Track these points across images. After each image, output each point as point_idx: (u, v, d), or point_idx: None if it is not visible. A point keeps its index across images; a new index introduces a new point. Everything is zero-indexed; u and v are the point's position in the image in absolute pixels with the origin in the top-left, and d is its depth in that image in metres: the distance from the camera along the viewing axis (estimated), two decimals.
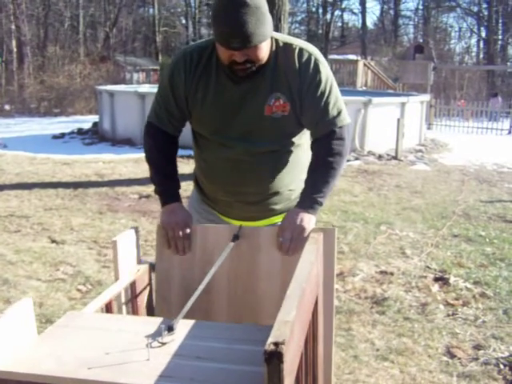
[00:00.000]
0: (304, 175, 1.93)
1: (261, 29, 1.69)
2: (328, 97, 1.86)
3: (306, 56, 1.85)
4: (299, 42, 1.90)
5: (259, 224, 2.04)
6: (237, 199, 2.02)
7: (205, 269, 1.80)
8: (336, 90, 1.90)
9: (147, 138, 2.03)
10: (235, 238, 1.84)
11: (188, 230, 1.90)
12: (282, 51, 1.86)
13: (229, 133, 1.91)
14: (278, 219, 1.99)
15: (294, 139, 1.96)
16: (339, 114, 1.88)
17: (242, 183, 1.97)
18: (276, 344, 1.04)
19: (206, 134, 1.97)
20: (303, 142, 2.00)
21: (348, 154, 1.93)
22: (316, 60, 1.86)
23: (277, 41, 1.87)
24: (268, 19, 1.74)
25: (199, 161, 2.09)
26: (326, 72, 1.87)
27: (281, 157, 1.97)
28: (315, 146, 1.92)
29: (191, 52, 1.91)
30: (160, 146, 2.00)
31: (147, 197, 6.58)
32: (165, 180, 2.01)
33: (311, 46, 1.92)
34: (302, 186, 1.93)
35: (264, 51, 1.77)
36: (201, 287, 1.61)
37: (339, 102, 1.89)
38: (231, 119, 1.89)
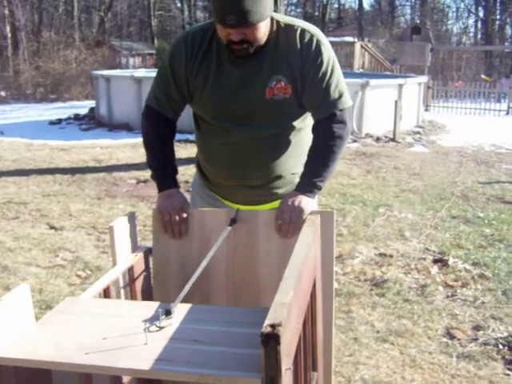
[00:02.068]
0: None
1: (259, 7, 1.66)
2: (330, 79, 1.83)
3: (307, 37, 1.82)
4: (301, 23, 1.87)
5: (262, 208, 2.03)
6: (239, 183, 2.00)
7: (202, 253, 1.79)
8: (338, 72, 1.87)
9: (145, 122, 2.01)
10: (232, 221, 1.83)
11: (184, 215, 1.89)
12: (283, 32, 1.83)
13: (230, 116, 1.89)
14: None
15: (296, 122, 1.94)
16: (341, 96, 1.85)
17: (245, 167, 1.96)
18: (273, 326, 1.03)
19: (208, 118, 1.95)
20: (306, 125, 1.97)
21: (348, 137, 1.92)
22: (318, 41, 1.83)
23: (278, 22, 1.84)
24: None
25: (201, 145, 2.07)
26: (328, 53, 1.84)
27: (283, 140, 1.95)
28: (316, 128, 1.90)
29: (193, 34, 1.89)
30: (158, 131, 1.98)
31: (145, 182, 6.57)
32: (162, 165, 1.99)
33: (313, 26, 1.89)
34: None
35: (262, 32, 1.74)
36: (198, 271, 1.60)
37: (341, 85, 1.87)
38: (232, 102, 1.87)
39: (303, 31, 1.83)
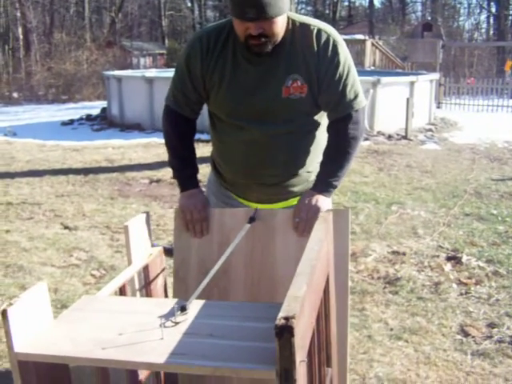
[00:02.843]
0: (321, 157, 1.94)
1: (277, 1, 1.68)
2: (346, 79, 1.85)
3: (324, 37, 1.83)
4: (317, 23, 1.88)
5: (277, 206, 2.05)
6: (255, 181, 2.02)
7: (222, 250, 1.82)
8: (354, 72, 1.89)
9: (165, 121, 2.04)
10: (251, 219, 1.88)
11: (205, 213, 1.94)
12: (298, 31, 1.84)
13: (246, 114, 1.90)
14: (295, 201, 2.00)
15: (311, 121, 1.95)
16: (356, 96, 1.87)
17: (260, 165, 1.97)
18: (286, 318, 1.05)
19: (224, 116, 1.96)
20: (321, 123, 1.99)
21: (363, 136, 1.94)
22: (335, 41, 1.84)
23: (293, 21, 1.85)
24: None
25: (216, 144, 2.08)
26: (344, 54, 1.85)
27: (298, 138, 1.96)
28: (331, 129, 1.93)
29: (208, 33, 1.90)
30: (177, 130, 2.02)
31: (157, 181, 6.60)
32: (182, 165, 2.04)
33: (329, 26, 1.89)
34: (319, 167, 1.95)
35: (279, 26, 1.75)
36: (216, 267, 1.62)
37: (356, 85, 1.88)
38: (248, 101, 1.88)
39: (319, 31, 1.84)
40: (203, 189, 2.08)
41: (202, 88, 1.93)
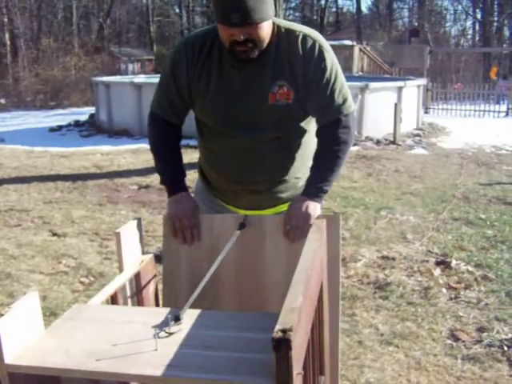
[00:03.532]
0: (310, 163, 1.93)
1: (262, 6, 1.67)
2: (333, 84, 1.84)
3: (310, 43, 1.82)
4: (302, 28, 1.87)
5: (266, 213, 2.04)
6: (243, 188, 2.01)
7: (212, 258, 1.80)
8: (341, 76, 1.88)
9: (150, 127, 2.02)
10: (241, 226, 1.85)
11: (195, 220, 1.90)
12: (284, 37, 1.83)
13: (233, 121, 1.89)
14: (284, 207, 1.98)
15: (299, 127, 1.95)
16: (345, 101, 1.86)
17: (248, 172, 1.96)
18: (284, 331, 1.04)
19: (210, 123, 1.96)
20: (309, 129, 1.98)
21: (353, 141, 1.93)
22: (320, 47, 1.83)
23: (278, 27, 1.84)
24: None
25: (204, 151, 2.07)
26: (331, 59, 1.85)
27: (286, 144, 1.96)
28: (321, 134, 1.91)
29: (193, 40, 1.89)
30: (163, 136, 1.99)
31: (146, 187, 6.58)
32: (169, 170, 2.00)
33: (314, 31, 1.89)
34: (308, 173, 1.92)
35: (265, 31, 1.74)
36: (207, 276, 1.61)
37: (344, 89, 1.87)
38: (235, 108, 1.88)
39: (305, 37, 1.83)
40: (192, 194, 2.05)
41: (187, 94, 1.92)
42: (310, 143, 1.99)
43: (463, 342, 2.97)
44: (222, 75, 1.86)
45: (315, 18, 39.86)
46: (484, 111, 16.67)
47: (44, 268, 4.06)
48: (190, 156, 8.08)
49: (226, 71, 1.86)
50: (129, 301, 1.76)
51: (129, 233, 1.81)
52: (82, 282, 3.82)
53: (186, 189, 1.98)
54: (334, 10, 44.92)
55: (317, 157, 1.91)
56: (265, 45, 1.79)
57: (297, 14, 42.33)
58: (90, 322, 1.39)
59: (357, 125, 10.37)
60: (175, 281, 1.93)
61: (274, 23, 1.82)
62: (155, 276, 1.94)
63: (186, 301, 1.49)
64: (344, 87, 1.88)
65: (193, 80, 1.89)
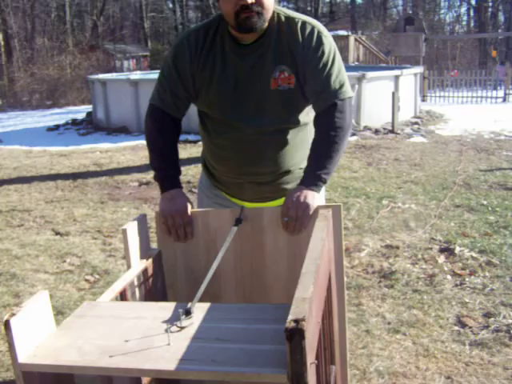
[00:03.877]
0: None
1: None
2: (330, 69, 1.84)
3: (309, 29, 1.85)
4: (302, 16, 1.89)
5: (271, 205, 2.03)
6: (248, 180, 2.00)
7: (209, 253, 1.79)
8: (339, 62, 1.88)
9: (149, 121, 1.99)
10: (238, 221, 1.80)
11: (188, 217, 1.84)
12: (284, 24, 1.86)
13: (237, 111, 1.90)
14: None
15: (302, 116, 1.94)
16: (341, 86, 1.85)
17: (253, 163, 1.96)
18: (296, 321, 1.04)
19: (215, 114, 1.95)
20: (312, 119, 1.98)
21: (350, 128, 1.91)
22: (319, 32, 1.85)
23: (278, 14, 1.87)
24: None
25: (207, 143, 2.07)
26: (329, 44, 1.86)
27: (290, 135, 1.95)
28: (317, 120, 1.89)
29: (196, 31, 1.91)
30: (162, 130, 1.96)
31: (147, 184, 6.57)
32: (164, 165, 1.96)
33: (314, 19, 1.91)
34: None
35: (269, 0, 1.77)
36: (210, 272, 1.60)
37: (342, 75, 1.87)
38: (239, 96, 1.88)
39: (304, 23, 1.86)
40: (194, 189, 2.04)
41: (191, 86, 1.92)
42: (313, 134, 1.98)
43: (470, 328, 2.98)
44: (226, 62, 1.88)
45: (309, 8, 39.70)
46: (481, 97, 16.65)
47: (48, 267, 4.06)
48: (189, 151, 8.12)
49: (229, 59, 1.87)
50: (137, 296, 1.76)
51: (135, 229, 1.81)
52: (87, 280, 3.82)
53: (179, 186, 1.94)
54: (327, 0, 44.79)
55: (313, 144, 1.87)
56: (268, 17, 1.81)
57: (290, 6, 42.14)
58: (101, 318, 1.39)
59: (355, 114, 10.37)
60: (173, 277, 1.90)
61: (274, 11, 1.85)
62: (162, 271, 1.94)
63: (185, 297, 1.49)
64: (341, 73, 1.87)
65: (197, 70, 1.89)
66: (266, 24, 1.83)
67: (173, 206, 1.85)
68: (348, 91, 1.88)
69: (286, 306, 1.12)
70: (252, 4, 1.74)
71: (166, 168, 1.96)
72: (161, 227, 1.88)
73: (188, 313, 1.36)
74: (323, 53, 1.83)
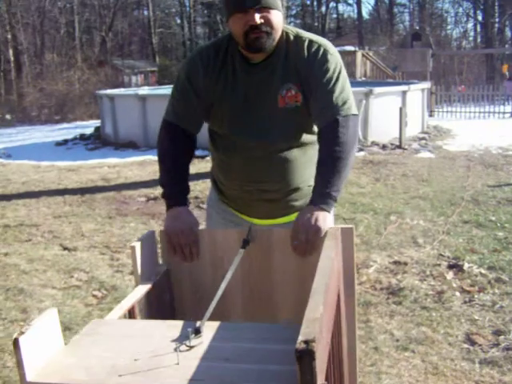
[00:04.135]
0: None
1: None
2: (334, 85, 1.82)
3: (315, 46, 1.86)
4: (310, 35, 1.91)
5: (279, 221, 2.03)
6: (257, 197, 2.00)
7: (215, 273, 1.76)
8: (344, 80, 1.87)
9: (163, 136, 1.96)
10: (245, 242, 1.75)
11: (194, 237, 1.80)
12: (292, 43, 1.88)
13: (246, 128, 1.91)
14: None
15: (310, 133, 1.95)
16: (344, 103, 1.82)
17: (261, 181, 1.96)
18: (306, 342, 1.03)
19: (224, 131, 1.96)
20: None
21: (356, 144, 1.88)
22: (325, 50, 1.86)
23: (287, 33, 1.89)
24: None
25: (217, 160, 2.08)
26: (334, 62, 1.86)
27: (299, 152, 1.96)
28: (320, 136, 1.85)
29: (207, 48, 1.93)
30: (175, 145, 1.94)
31: (155, 199, 6.59)
32: (173, 182, 1.92)
33: (322, 38, 1.92)
34: None
35: (278, 20, 1.79)
36: (219, 292, 1.59)
37: (346, 93, 1.85)
38: (247, 113, 1.89)
39: (311, 41, 1.88)
40: (205, 206, 2.04)
41: (204, 98, 1.91)
42: None
43: (480, 345, 2.95)
44: (236, 81, 1.89)
45: (316, 24, 39.90)
46: (489, 112, 16.63)
47: (56, 282, 4.06)
48: (198, 166, 8.13)
49: (239, 77, 1.89)
50: (146, 314, 1.76)
51: (143, 246, 1.81)
52: (94, 296, 3.82)
53: (185, 203, 1.90)
54: (334, 16, 45.05)
55: (319, 162, 1.82)
56: (277, 36, 1.83)
57: (298, 21, 42.41)
58: (110, 337, 1.39)
59: (362, 130, 10.39)
60: (180, 296, 1.89)
61: (283, 30, 1.87)
62: (171, 288, 1.93)
63: (192, 316, 1.48)
64: (346, 91, 1.85)
65: (210, 84, 1.89)
66: (275, 43, 1.84)
67: (177, 225, 1.81)
68: (351, 108, 1.84)
69: (296, 326, 1.11)
70: (261, 24, 1.75)
71: (173, 184, 1.92)
72: (165, 245, 1.85)
73: (197, 332, 1.35)
74: (327, 69, 1.84)
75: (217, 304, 1.59)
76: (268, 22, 1.76)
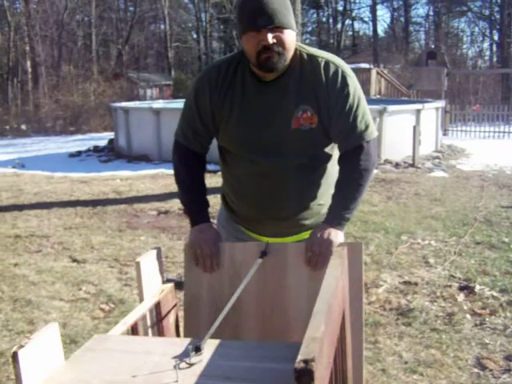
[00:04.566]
0: (333, 189, 1.91)
1: (286, 11, 1.76)
2: (356, 110, 1.84)
3: (333, 69, 1.85)
4: (325, 55, 1.89)
5: (289, 240, 2.02)
6: (266, 215, 2.00)
7: (233, 286, 1.79)
8: (364, 103, 1.88)
9: (175, 157, 2.05)
10: (263, 254, 1.85)
11: (216, 248, 1.92)
12: (306, 62, 1.86)
13: (256, 146, 1.90)
14: (307, 235, 1.97)
15: (322, 153, 1.94)
16: (367, 127, 1.86)
17: (272, 199, 1.96)
18: (305, 361, 1.01)
19: (234, 149, 1.96)
20: (332, 155, 1.98)
21: (375, 167, 1.92)
22: (343, 72, 1.85)
23: (301, 52, 1.87)
24: (291, 10, 1.80)
25: (227, 178, 2.08)
26: (354, 85, 1.86)
27: (310, 171, 1.95)
28: (342, 161, 1.91)
29: (218, 66, 1.93)
30: (187, 166, 2.02)
31: (166, 213, 6.59)
32: (193, 200, 2.03)
33: (337, 58, 1.91)
34: (330, 200, 1.92)
35: (291, 40, 1.79)
36: (229, 305, 1.59)
37: (367, 116, 1.88)
38: (258, 133, 1.89)
39: (327, 63, 1.86)
40: (214, 221, 2.06)
41: (211, 122, 1.94)
42: (333, 170, 1.98)
43: (491, 370, 2.90)
44: (246, 98, 1.89)
45: (331, 41, 40.07)
46: (504, 132, 16.52)
47: (64, 295, 4.06)
48: (209, 181, 8.10)
49: (249, 95, 1.88)
50: (149, 331, 1.74)
51: (149, 262, 1.80)
52: (102, 309, 3.81)
53: (208, 219, 2.02)
54: (350, 33, 45.17)
55: (338, 184, 1.90)
56: (289, 56, 1.82)
57: (313, 38, 42.60)
58: (111, 352, 1.38)
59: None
60: (197, 309, 1.92)
61: (296, 49, 1.86)
62: (176, 305, 1.92)
63: (207, 329, 1.48)
64: (366, 113, 1.88)
65: (217, 105, 1.90)
66: (288, 63, 1.83)
67: (202, 238, 1.93)
68: (373, 132, 1.89)
69: (297, 345, 1.10)
70: (273, 44, 1.75)
71: (193, 202, 2.03)
72: (188, 258, 1.95)
73: (198, 349, 1.34)
74: (348, 94, 1.84)
75: (230, 316, 1.61)
76: (280, 42, 1.76)
